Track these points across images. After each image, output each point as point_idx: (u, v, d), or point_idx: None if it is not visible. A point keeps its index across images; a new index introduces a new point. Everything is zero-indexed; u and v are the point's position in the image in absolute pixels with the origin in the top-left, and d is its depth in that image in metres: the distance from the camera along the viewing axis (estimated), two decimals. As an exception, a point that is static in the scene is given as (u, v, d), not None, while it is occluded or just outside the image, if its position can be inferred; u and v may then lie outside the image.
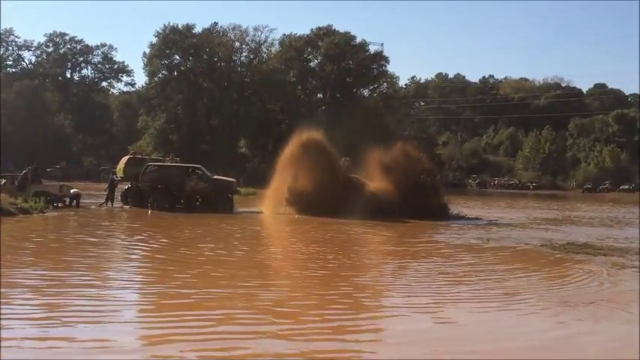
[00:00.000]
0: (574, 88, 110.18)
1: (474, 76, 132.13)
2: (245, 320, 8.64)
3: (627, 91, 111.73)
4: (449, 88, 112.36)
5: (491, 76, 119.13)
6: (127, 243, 17.39)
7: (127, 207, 28.57)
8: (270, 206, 28.23)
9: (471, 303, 10.38)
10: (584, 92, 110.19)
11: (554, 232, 23.21)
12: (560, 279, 12.92)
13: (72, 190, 28.09)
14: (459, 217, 28.41)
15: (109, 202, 28.73)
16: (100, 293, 10.06)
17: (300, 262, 14.37)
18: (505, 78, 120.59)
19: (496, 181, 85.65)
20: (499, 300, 10.69)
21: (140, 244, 16.75)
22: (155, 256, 14.82)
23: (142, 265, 13.82)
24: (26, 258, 13.17)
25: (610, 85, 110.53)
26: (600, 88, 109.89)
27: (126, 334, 7.82)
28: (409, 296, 10.82)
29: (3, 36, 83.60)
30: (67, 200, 27.49)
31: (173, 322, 8.44)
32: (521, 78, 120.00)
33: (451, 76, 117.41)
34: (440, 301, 10.51)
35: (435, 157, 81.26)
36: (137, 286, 11.42)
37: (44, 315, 8.63)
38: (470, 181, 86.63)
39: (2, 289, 9.56)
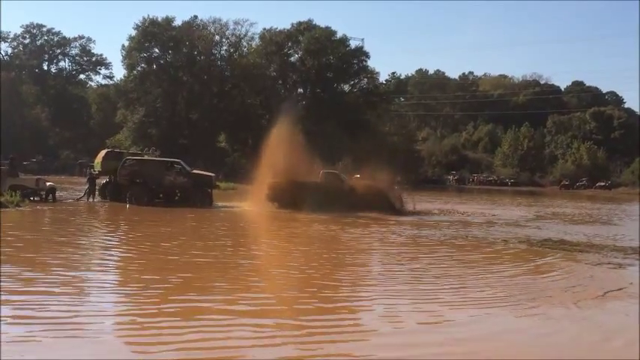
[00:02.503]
0: (552, 85, 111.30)
1: (453, 73, 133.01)
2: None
3: (604, 89, 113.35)
4: (429, 84, 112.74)
5: (471, 73, 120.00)
6: (103, 240, 17.20)
7: (105, 201, 28.32)
8: (253, 201, 28.22)
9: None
10: (562, 90, 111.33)
11: (531, 228, 23.38)
12: (530, 275, 13.06)
13: (47, 184, 27.73)
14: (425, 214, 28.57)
15: (90, 197, 28.49)
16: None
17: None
18: (484, 75, 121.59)
19: (475, 178, 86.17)
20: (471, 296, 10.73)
21: (117, 241, 16.58)
22: (130, 256, 14.64)
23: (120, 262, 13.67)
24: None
25: (587, 83, 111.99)
26: (578, 85, 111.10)
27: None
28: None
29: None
30: (43, 194, 27.14)
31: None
32: (500, 75, 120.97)
33: (431, 72, 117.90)
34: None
35: (415, 153, 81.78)
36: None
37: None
38: (449, 177, 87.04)
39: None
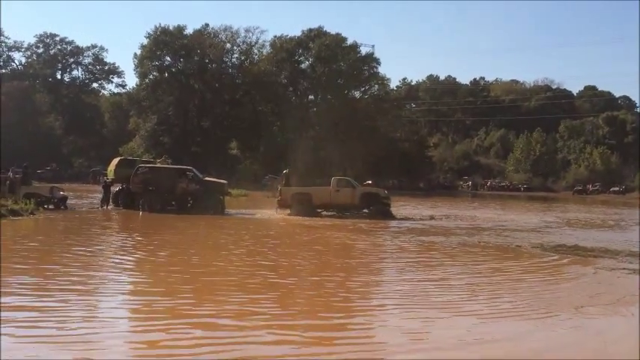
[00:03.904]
0: (564, 90, 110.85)
1: (464, 78, 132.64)
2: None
3: (617, 94, 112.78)
4: (440, 90, 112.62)
5: (482, 78, 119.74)
6: (118, 246, 17.30)
7: (118, 209, 28.51)
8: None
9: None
10: (575, 94, 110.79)
11: (544, 234, 23.25)
12: (544, 281, 12.97)
13: (60, 193, 27.94)
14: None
15: (105, 204, 28.74)
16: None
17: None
18: (496, 80, 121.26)
19: (487, 183, 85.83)
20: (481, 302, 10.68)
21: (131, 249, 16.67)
22: (144, 264, 14.72)
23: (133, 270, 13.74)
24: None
25: (600, 88, 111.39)
26: (590, 90, 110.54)
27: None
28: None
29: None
30: (57, 202, 27.37)
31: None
32: (511, 80, 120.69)
33: (442, 78, 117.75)
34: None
35: (426, 159, 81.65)
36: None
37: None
38: (461, 182, 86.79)
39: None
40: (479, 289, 11.68)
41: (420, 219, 28.95)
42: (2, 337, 7.34)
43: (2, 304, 8.89)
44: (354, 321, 9.35)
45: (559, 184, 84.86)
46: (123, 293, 10.81)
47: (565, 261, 15.71)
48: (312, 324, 8.83)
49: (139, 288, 11.41)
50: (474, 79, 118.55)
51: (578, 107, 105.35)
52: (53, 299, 9.68)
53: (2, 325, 7.80)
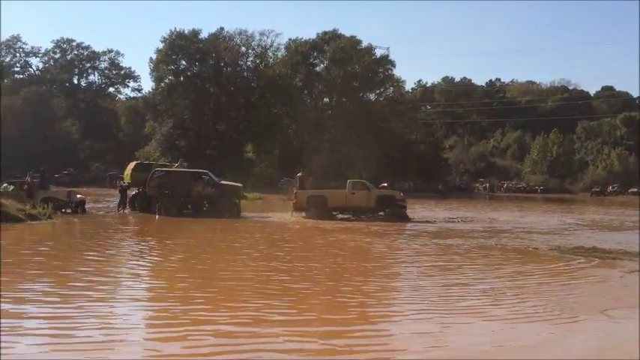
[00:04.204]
0: (581, 90, 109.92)
1: (480, 80, 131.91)
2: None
3: (635, 94, 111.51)
4: (455, 91, 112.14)
5: (498, 79, 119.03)
6: (137, 249, 17.36)
7: (135, 212, 28.68)
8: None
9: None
10: (592, 95, 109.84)
11: (562, 235, 23.02)
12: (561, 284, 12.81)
13: (77, 196, 28.16)
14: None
15: (122, 208, 28.97)
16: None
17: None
18: (512, 81, 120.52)
19: (504, 185, 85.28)
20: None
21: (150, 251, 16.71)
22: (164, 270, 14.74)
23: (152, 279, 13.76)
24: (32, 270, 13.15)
25: (617, 88, 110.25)
26: (607, 90, 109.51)
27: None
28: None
29: (10, 42, 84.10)
30: (74, 206, 27.59)
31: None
32: (527, 81, 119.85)
33: (457, 79, 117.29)
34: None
35: (442, 161, 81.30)
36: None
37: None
38: (477, 184, 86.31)
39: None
40: (500, 293, 11.51)
41: (436, 221, 28.79)
42: (20, 345, 7.36)
43: (21, 312, 8.92)
44: (372, 327, 9.23)
45: (576, 185, 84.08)
46: (137, 299, 10.77)
47: (588, 263, 15.50)
48: (329, 330, 8.72)
49: (153, 293, 11.41)
50: (490, 80, 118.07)
51: (595, 108, 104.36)
52: (67, 305, 9.68)
53: (20, 333, 7.84)
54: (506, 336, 8.54)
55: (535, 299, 10.95)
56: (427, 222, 28.03)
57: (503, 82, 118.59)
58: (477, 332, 8.68)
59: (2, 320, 8.19)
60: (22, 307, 9.40)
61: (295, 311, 9.78)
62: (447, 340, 8.30)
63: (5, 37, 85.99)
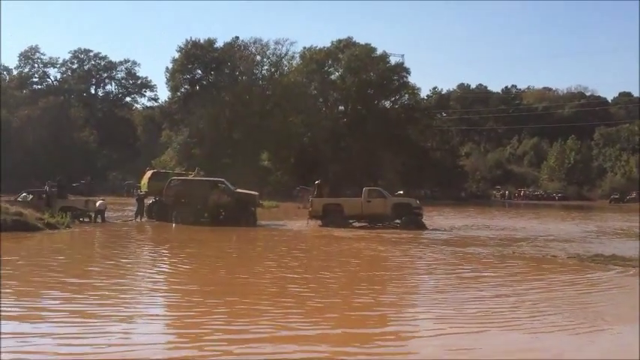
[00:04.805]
0: (599, 97, 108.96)
1: (496, 86, 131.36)
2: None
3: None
4: (471, 98, 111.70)
5: (514, 86, 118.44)
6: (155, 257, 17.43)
7: (152, 221, 28.83)
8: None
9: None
10: (609, 101, 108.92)
11: (581, 243, 22.78)
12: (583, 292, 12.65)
13: (97, 203, 28.33)
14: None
15: (139, 217, 29.15)
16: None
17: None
18: (528, 88, 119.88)
19: (521, 192, 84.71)
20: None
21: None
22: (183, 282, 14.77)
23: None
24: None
25: (635, 94, 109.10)
26: (625, 96, 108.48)
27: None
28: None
29: (29, 53, 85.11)
30: (92, 215, 27.80)
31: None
32: (544, 87, 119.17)
33: (473, 86, 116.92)
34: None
35: (458, 169, 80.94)
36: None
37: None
38: (494, 192, 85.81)
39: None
40: (520, 302, 11.34)
41: (453, 229, 28.64)
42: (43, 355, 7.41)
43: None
44: (391, 337, 9.13)
45: (595, 192, 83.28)
46: (155, 307, 10.83)
47: (608, 271, 15.32)
48: (347, 339, 8.66)
49: (169, 303, 11.44)
50: (506, 87, 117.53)
51: (613, 114, 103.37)
52: (84, 316, 9.72)
53: (40, 342, 7.90)
54: (530, 345, 8.43)
55: (555, 308, 10.82)
56: (444, 230, 27.89)
57: (520, 89, 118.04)
58: (504, 341, 8.58)
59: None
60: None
61: (310, 321, 9.70)
62: (472, 350, 8.20)
63: (24, 48, 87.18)
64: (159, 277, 14.08)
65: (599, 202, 75.04)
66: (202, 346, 8.06)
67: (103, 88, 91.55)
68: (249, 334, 8.62)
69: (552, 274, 14.99)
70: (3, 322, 8.73)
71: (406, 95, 75.15)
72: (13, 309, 9.79)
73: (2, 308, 9.55)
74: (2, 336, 7.88)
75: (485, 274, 15.09)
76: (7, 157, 58.35)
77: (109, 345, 7.88)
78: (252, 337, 8.48)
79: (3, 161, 53.36)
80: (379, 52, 72.92)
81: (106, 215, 28.45)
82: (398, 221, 27.70)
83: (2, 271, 12.92)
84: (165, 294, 12.21)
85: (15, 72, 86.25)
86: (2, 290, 10.89)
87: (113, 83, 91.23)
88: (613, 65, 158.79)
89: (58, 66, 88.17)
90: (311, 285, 12.96)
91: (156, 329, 9.19)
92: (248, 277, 13.77)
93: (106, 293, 11.26)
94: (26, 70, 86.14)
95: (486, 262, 17.08)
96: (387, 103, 75.53)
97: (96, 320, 9.25)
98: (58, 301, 10.57)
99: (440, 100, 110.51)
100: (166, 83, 69.83)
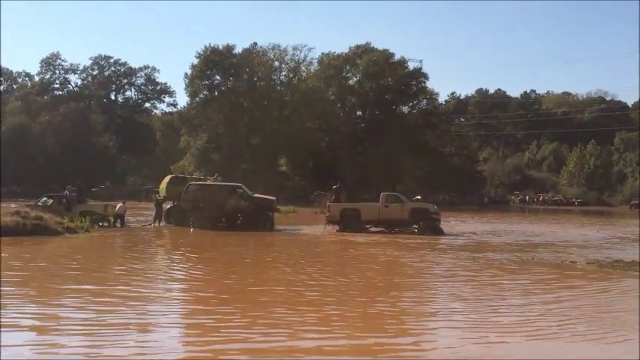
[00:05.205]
0: (619, 101, 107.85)
1: (514, 91, 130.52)
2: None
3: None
4: (489, 103, 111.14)
5: (533, 91, 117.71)
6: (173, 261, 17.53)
7: (170, 225, 29.02)
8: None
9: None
10: (630, 106, 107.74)
11: (601, 249, 22.55)
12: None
13: (117, 206, 28.55)
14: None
15: (157, 221, 29.35)
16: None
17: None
18: (547, 92, 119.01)
19: (540, 198, 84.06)
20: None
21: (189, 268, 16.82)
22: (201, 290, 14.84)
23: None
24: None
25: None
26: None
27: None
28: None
29: (50, 60, 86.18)
30: (112, 220, 28.05)
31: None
32: (563, 92, 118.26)
33: (491, 91, 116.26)
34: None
35: (477, 174, 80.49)
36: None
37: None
38: (512, 197, 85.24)
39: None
40: (545, 309, 11.17)
41: (472, 234, 28.49)
42: None
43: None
44: (410, 346, 8.93)
45: (615, 198, 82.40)
46: (172, 313, 10.87)
47: (629, 278, 15.16)
48: (362, 348, 8.58)
49: (186, 308, 11.50)
50: (525, 91, 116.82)
51: (633, 119, 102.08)
52: (98, 325, 9.78)
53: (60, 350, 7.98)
54: (550, 354, 8.34)
55: (576, 316, 10.73)
56: (462, 235, 27.75)
57: (539, 94, 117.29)
58: (530, 350, 8.48)
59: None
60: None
61: (327, 328, 9.60)
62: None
63: (45, 54, 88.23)
64: (174, 283, 14.09)
65: (619, 208, 74.21)
66: (217, 354, 8.04)
67: (123, 94, 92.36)
68: (264, 343, 8.56)
69: (571, 281, 14.87)
70: (17, 330, 8.80)
71: (424, 100, 74.82)
72: (25, 317, 9.78)
73: (15, 315, 9.65)
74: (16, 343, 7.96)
75: (506, 281, 14.98)
76: (28, 162, 59.22)
77: (122, 357, 7.83)
78: (268, 346, 8.42)
79: (23, 166, 54.13)
80: (397, 57, 72.78)
81: (125, 220, 28.68)
82: (415, 227, 27.61)
83: (17, 276, 13.08)
84: (181, 300, 12.23)
85: (37, 78, 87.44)
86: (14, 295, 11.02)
87: (133, 89, 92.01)
88: (633, 69, 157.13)
89: (78, 72, 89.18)
90: (327, 290, 12.95)
91: (170, 337, 9.06)
92: (263, 283, 13.79)
93: (120, 300, 11.22)
94: (47, 76, 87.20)
95: (506, 268, 16.95)
96: (405, 109, 75.26)
97: (109, 328, 9.20)
98: (70, 309, 10.56)
99: (458, 105, 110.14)
100: (185, 89, 70.23)
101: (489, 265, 17.36)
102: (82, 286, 12.55)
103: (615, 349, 8.72)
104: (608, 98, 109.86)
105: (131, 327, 9.26)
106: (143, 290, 12.44)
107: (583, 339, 9.12)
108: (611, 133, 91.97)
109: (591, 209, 69.75)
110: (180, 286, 13.78)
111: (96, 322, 9.43)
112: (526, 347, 8.69)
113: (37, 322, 9.48)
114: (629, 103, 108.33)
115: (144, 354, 7.90)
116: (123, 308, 10.50)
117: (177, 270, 16.07)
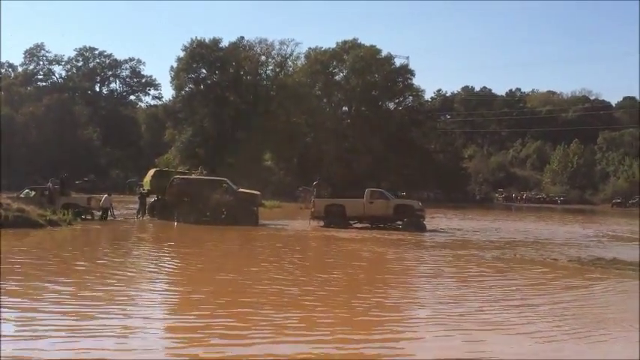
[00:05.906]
0: (603, 101, 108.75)
1: (500, 90, 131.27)
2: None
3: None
4: (475, 101, 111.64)
5: (518, 89, 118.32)
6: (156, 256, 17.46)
7: (153, 219, 28.89)
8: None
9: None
10: (613, 105, 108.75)
11: (582, 247, 22.75)
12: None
13: (102, 199, 28.31)
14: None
15: (141, 215, 29.22)
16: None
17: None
18: (532, 91, 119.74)
19: (524, 196, 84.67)
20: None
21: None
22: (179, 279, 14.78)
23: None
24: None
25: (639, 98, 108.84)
26: (629, 100, 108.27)
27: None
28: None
29: (34, 51, 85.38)
30: (96, 213, 27.88)
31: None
32: (548, 91, 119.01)
33: (477, 89, 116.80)
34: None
35: (461, 171, 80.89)
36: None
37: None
38: (496, 195, 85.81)
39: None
40: (527, 307, 11.20)
41: (455, 231, 28.64)
42: None
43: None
44: (393, 341, 8.96)
45: (597, 196, 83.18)
46: (154, 310, 10.84)
47: (610, 277, 15.30)
48: (346, 343, 8.61)
49: (169, 305, 11.45)
50: (510, 90, 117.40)
51: (617, 118, 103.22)
52: (80, 318, 9.74)
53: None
54: (543, 354, 8.38)
55: (559, 313, 10.81)
56: (446, 232, 27.90)
57: (524, 92, 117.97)
58: (505, 347, 8.53)
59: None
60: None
61: (310, 325, 9.56)
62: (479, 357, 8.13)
63: (29, 45, 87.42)
64: (158, 276, 14.03)
65: (601, 206, 74.94)
66: (200, 350, 7.99)
67: (108, 86, 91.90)
68: (247, 338, 8.50)
69: (552, 277, 14.98)
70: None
71: (410, 97, 75.05)
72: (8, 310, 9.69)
73: None
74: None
75: (488, 277, 15.05)
76: (11, 153, 58.56)
77: (103, 349, 7.77)
78: (251, 341, 8.37)
79: (5, 158, 53.55)
80: (384, 53, 72.91)
81: (112, 212, 28.56)
82: (399, 223, 27.71)
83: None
84: (163, 295, 12.16)
85: (20, 69, 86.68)
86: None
87: (118, 81, 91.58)
88: (617, 69, 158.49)
89: (63, 63, 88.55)
90: (310, 287, 12.92)
91: (153, 332, 8.97)
92: (247, 279, 13.70)
93: (102, 295, 11.13)
94: (31, 67, 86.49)
95: (488, 264, 17.04)
96: (391, 105, 75.46)
97: (92, 322, 9.14)
98: (52, 303, 10.44)
99: (444, 102, 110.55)
100: (171, 82, 69.79)
101: (472, 262, 17.42)
102: (62, 279, 12.46)
103: (598, 347, 8.78)
104: (592, 98, 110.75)
105: (110, 325, 9.04)
106: (124, 287, 12.27)
107: (570, 337, 9.15)
108: (595, 132, 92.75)
109: (573, 207, 70.35)
110: (161, 284, 13.44)
111: (75, 317, 9.34)
112: (509, 342, 8.74)
113: (17, 314, 9.43)
114: (613, 102, 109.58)
115: (124, 349, 7.84)
116: (102, 303, 10.37)
117: (158, 264, 15.89)
